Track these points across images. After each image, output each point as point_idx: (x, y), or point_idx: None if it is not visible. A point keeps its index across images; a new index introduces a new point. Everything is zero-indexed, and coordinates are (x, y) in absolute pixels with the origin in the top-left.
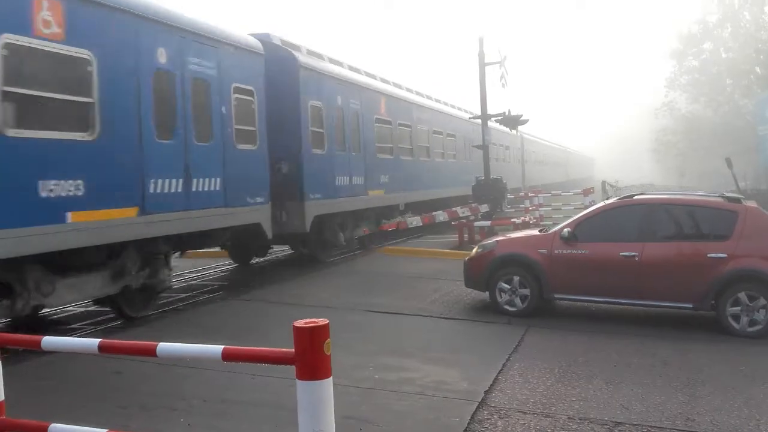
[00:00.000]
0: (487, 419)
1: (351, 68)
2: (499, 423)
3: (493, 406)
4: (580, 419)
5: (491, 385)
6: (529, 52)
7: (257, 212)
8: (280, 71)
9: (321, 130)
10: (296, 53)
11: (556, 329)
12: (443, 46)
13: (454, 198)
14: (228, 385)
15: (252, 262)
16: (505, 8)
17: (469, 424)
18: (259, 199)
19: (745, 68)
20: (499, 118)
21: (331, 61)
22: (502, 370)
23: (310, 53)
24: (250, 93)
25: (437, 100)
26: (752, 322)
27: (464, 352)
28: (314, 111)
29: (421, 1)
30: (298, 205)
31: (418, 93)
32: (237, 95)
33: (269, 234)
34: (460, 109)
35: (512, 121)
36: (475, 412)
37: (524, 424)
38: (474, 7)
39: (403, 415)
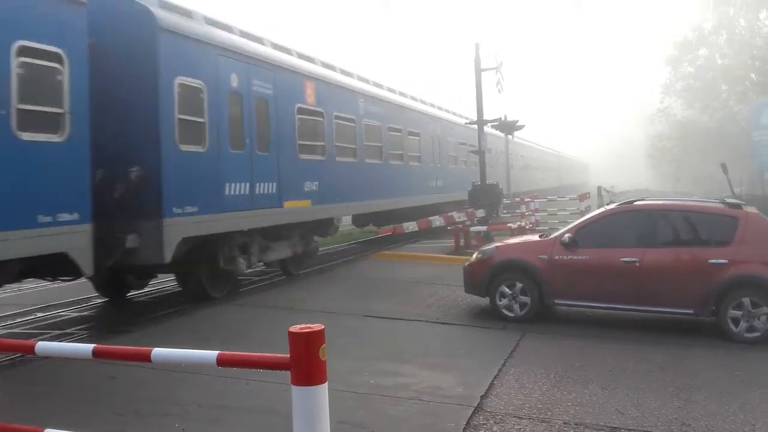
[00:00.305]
0: (483, 424)
1: (251, 38)
2: (495, 428)
3: (489, 411)
4: (576, 424)
5: (487, 390)
6: (525, 57)
7: (61, 237)
8: (126, 32)
9: (199, 120)
10: (153, 8)
11: (552, 334)
12: (439, 51)
13: (421, 208)
14: (223, 390)
15: (130, 295)
16: (501, 14)
17: (465, 429)
18: (65, 217)
19: (740, 74)
20: (495, 123)
21: (224, 27)
22: (498, 375)
23: (180, 13)
24: (55, 58)
25: (397, 92)
26: (751, 329)
27: (460, 357)
28: (186, 93)
29: (417, 5)
30: (155, 224)
31: (364, 80)
32: (26, 59)
33: (86, 269)
34: (432, 105)
35: (508, 127)
36: (470, 418)
37: (520, 429)
38: (470, 11)
39: (399, 421)
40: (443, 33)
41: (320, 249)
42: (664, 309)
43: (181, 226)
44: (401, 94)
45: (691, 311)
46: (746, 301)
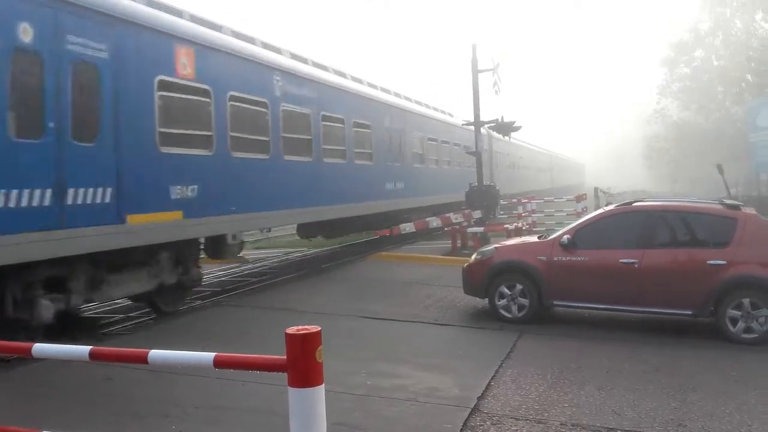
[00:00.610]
0: (480, 425)
1: None
2: (492, 429)
3: (486, 413)
4: (572, 425)
5: (484, 391)
6: (523, 58)
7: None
8: None
9: None
10: None
11: (549, 335)
12: (437, 52)
13: (373, 216)
14: (220, 391)
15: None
16: (499, 14)
17: (461, 430)
18: None
19: (736, 76)
20: (492, 124)
21: None
22: (494, 376)
23: None
24: None
25: (331, 70)
26: (748, 330)
27: (457, 358)
28: None
29: (416, 7)
30: None
31: (277, 50)
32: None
33: None
34: (398, 95)
35: (505, 128)
36: (467, 419)
37: (517, 430)
38: (467, 11)
39: (395, 422)
40: (440, 34)
41: (312, 251)
42: (663, 310)
43: None
44: (341, 74)
45: (689, 312)
46: (746, 302)
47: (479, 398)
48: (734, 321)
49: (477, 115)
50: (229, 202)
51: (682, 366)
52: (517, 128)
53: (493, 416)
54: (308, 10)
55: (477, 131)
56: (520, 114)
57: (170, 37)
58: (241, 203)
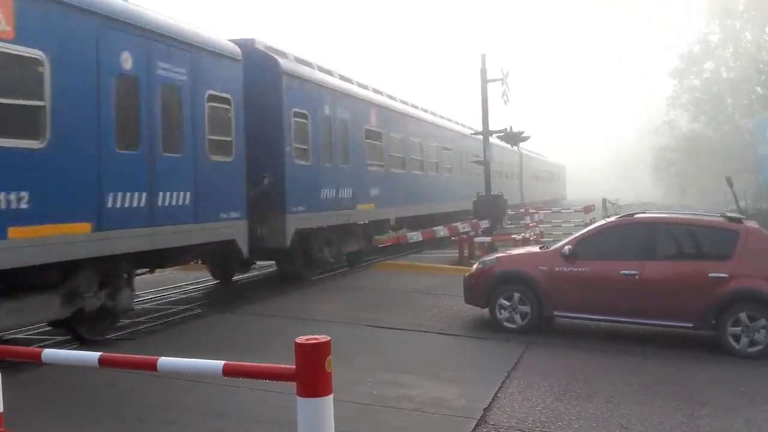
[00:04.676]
0: None
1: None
2: None
3: (492, 424)
4: None
5: (490, 402)
6: (528, 69)
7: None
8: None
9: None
10: (280, 59)
11: (556, 347)
12: (444, 60)
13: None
14: (226, 398)
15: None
16: (506, 23)
17: None
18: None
19: (745, 88)
20: (501, 134)
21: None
22: (501, 387)
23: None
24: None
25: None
26: (752, 343)
27: (463, 368)
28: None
29: (426, 18)
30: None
31: (393, 97)
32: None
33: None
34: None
35: (513, 138)
36: (473, 430)
37: None
38: (476, 19)
39: None
40: (449, 44)
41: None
42: (664, 322)
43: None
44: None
45: (690, 325)
46: (742, 316)
47: (485, 409)
48: (735, 334)
49: (486, 124)
50: None
51: (689, 379)
52: (526, 138)
53: (500, 428)
54: (316, 18)
55: (486, 140)
56: (525, 122)
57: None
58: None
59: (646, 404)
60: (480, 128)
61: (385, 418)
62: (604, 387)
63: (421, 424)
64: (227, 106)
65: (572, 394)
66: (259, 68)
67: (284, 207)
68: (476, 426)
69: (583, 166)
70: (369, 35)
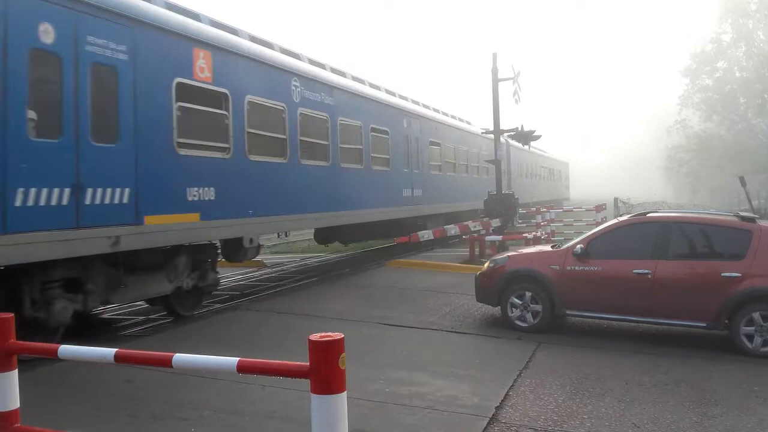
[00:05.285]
0: None
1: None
2: None
3: (504, 422)
4: None
5: (502, 400)
6: (541, 68)
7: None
8: None
9: None
10: None
11: (568, 345)
12: (455, 60)
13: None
14: (239, 395)
15: None
16: (518, 22)
17: None
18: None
19: (758, 87)
20: (512, 133)
21: None
22: (513, 385)
23: None
24: None
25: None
26: (766, 342)
27: (475, 367)
28: None
29: (431, 13)
30: None
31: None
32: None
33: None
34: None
35: (524, 137)
36: (485, 428)
37: None
38: (487, 19)
39: (414, 430)
40: (460, 44)
41: (331, 257)
42: (676, 321)
43: None
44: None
45: (703, 324)
46: (756, 315)
47: (497, 408)
48: (749, 334)
49: (497, 123)
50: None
51: (702, 379)
52: (537, 137)
53: (512, 426)
54: (328, 19)
55: (497, 139)
56: (535, 121)
57: None
58: None
59: (658, 403)
60: (478, 127)
61: (397, 416)
62: (616, 386)
63: (433, 422)
64: None
65: (584, 392)
66: None
67: None
68: (488, 424)
69: (590, 165)
70: (376, 33)
